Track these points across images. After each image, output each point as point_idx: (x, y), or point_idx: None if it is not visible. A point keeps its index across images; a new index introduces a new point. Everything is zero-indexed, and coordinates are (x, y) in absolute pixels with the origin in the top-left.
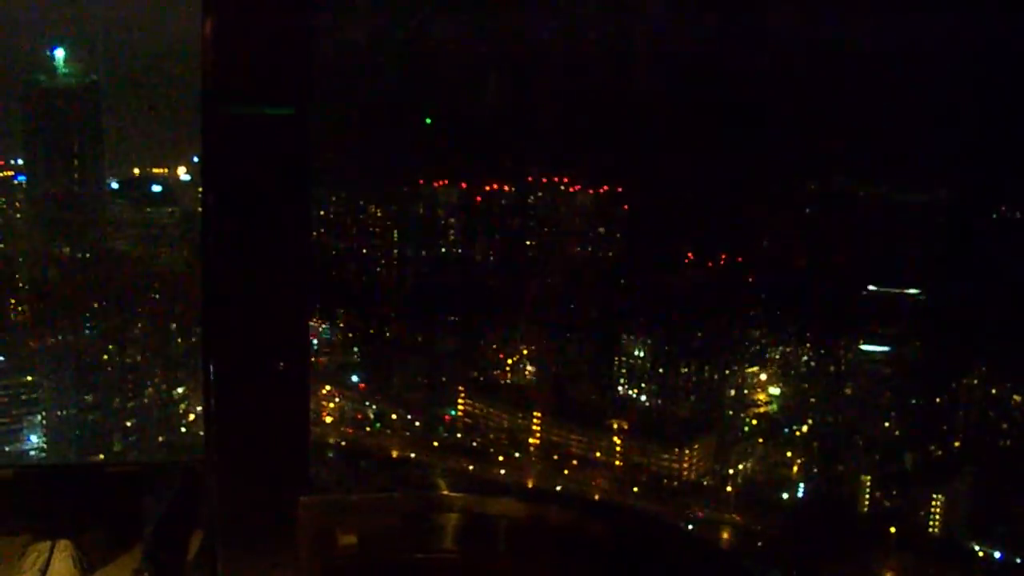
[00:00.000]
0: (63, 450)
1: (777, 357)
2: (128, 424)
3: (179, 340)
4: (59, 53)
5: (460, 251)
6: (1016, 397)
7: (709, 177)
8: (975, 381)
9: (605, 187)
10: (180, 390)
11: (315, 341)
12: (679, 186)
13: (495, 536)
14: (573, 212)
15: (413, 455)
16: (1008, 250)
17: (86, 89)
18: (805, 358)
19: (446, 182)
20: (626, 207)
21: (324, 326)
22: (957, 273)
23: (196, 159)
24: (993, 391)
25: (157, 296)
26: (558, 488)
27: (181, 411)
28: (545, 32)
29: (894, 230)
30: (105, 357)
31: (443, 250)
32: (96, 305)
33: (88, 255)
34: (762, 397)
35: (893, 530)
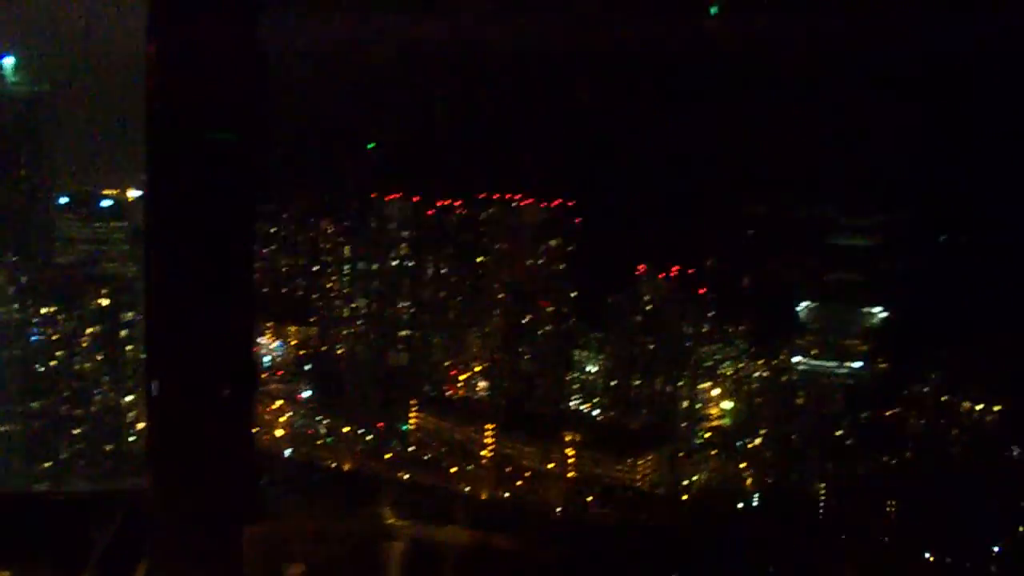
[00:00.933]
0: (9, 458)
1: (729, 373)
2: (75, 432)
3: (128, 348)
4: (7, 62)
5: (412, 264)
6: (966, 404)
7: (661, 191)
8: (926, 389)
9: (558, 200)
10: (129, 398)
11: (267, 358)
12: (631, 200)
13: (442, 564)
14: (524, 226)
15: (365, 468)
16: (956, 270)
17: (35, 99)
18: (757, 373)
19: (399, 195)
20: (578, 220)
21: (276, 343)
22: (909, 289)
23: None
24: (944, 399)
25: (106, 303)
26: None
27: (129, 420)
28: (497, 48)
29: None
30: (53, 364)
31: (395, 263)
32: (44, 311)
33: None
34: (715, 411)
35: (846, 537)
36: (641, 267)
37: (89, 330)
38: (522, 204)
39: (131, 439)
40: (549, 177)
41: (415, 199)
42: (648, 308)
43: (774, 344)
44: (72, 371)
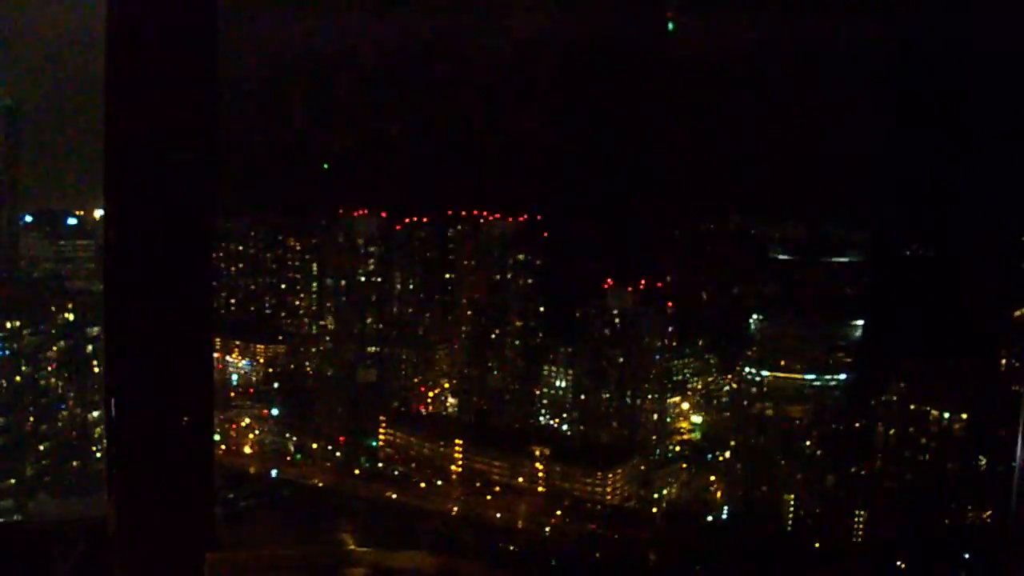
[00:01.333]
0: None
1: (699, 387)
2: (40, 448)
3: (95, 363)
4: None
5: (380, 280)
6: (934, 412)
7: (629, 205)
8: (894, 398)
9: (524, 216)
10: (95, 414)
11: (234, 377)
12: (598, 213)
13: None
14: (492, 241)
15: (334, 484)
16: (923, 282)
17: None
18: (726, 387)
19: (366, 212)
20: (546, 234)
21: (244, 362)
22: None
23: None
24: (912, 407)
25: (72, 317)
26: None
27: (97, 435)
28: (460, 59)
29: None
30: (17, 379)
31: (362, 279)
32: (8, 325)
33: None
34: (685, 425)
35: (817, 545)
36: (609, 281)
37: (55, 347)
38: (489, 219)
39: (98, 455)
40: (515, 192)
41: (383, 215)
42: (616, 321)
43: (741, 358)
44: (38, 386)
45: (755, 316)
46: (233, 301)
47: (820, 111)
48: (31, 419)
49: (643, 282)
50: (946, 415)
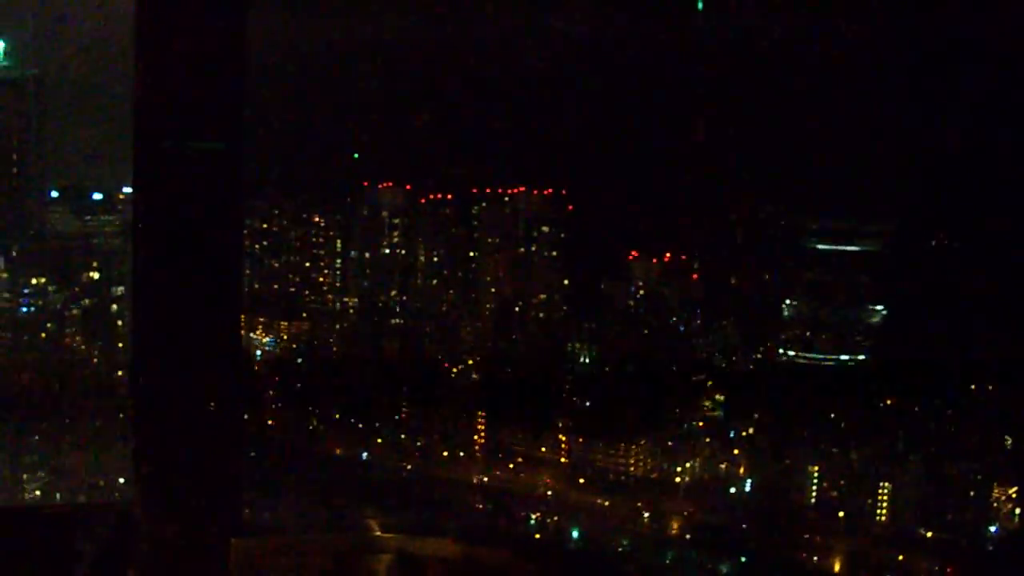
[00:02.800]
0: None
1: (723, 366)
2: (65, 406)
3: (119, 323)
4: None
5: (403, 251)
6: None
7: (656, 177)
8: (922, 373)
9: (549, 190)
10: (119, 373)
11: (258, 353)
12: (625, 184)
13: None
14: (517, 216)
15: (353, 455)
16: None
17: (28, 83)
18: (750, 367)
19: (390, 184)
20: (571, 207)
21: (268, 338)
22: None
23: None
24: (935, 381)
25: (97, 276)
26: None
27: (122, 395)
28: (485, 37)
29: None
30: (43, 335)
31: (386, 251)
32: (34, 281)
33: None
34: (708, 404)
35: (842, 514)
36: (634, 253)
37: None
38: (513, 192)
39: (120, 416)
40: (541, 165)
41: (407, 187)
42: (640, 293)
43: (765, 337)
44: (62, 344)
45: (787, 301)
46: (258, 279)
47: (852, 102)
48: (56, 376)
49: (668, 255)
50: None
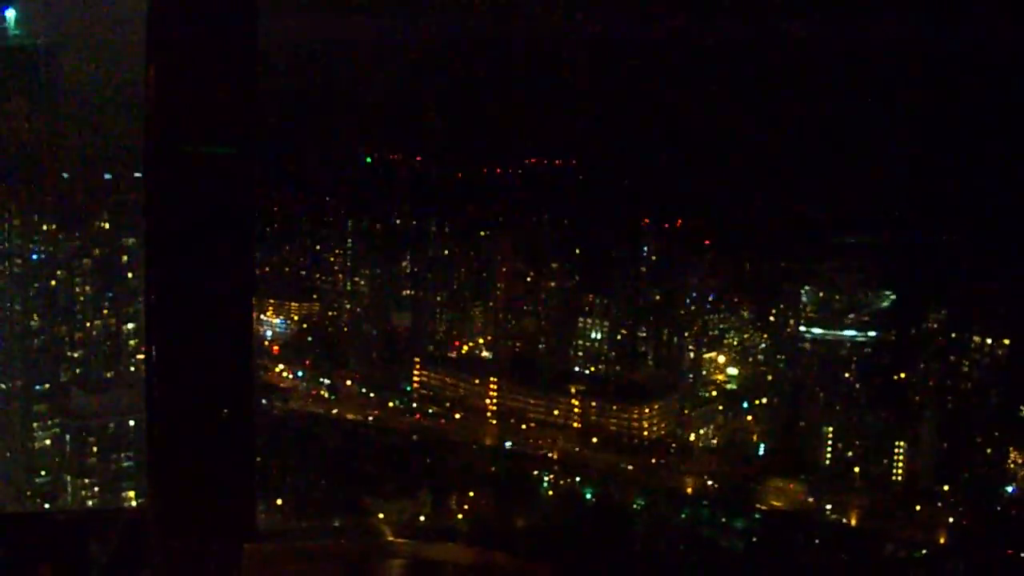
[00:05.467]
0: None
1: (736, 343)
2: (74, 355)
3: (130, 275)
4: (10, 13)
5: (415, 223)
6: (976, 339)
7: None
8: (935, 325)
9: (558, 161)
10: (130, 326)
11: (268, 333)
12: (633, 157)
13: None
14: (528, 188)
15: (369, 418)
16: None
17: (41, 51)
18: (763, 345)
19: (399, 157)
20: (581, 177)
21: (278, 320)
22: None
23: None
24: (953, 335)
25: (107, 225)
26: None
27: (131, 347)
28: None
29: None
30: (53, 283)
31: (398, 222)
32: (44, 227)
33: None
34: (721, 378)
35: (857, 470)
36: (645, 220)
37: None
38: (525, 164)
39: (132, 368)
40: (553, 136)
41: (417, 159)
42: (653, 258)
43: (778, 314)
44: (72, 293)
45: (805, 287)
46: (268, 262)
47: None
48: (64, 326)
49: (679, 221)
50: (988, 341)
